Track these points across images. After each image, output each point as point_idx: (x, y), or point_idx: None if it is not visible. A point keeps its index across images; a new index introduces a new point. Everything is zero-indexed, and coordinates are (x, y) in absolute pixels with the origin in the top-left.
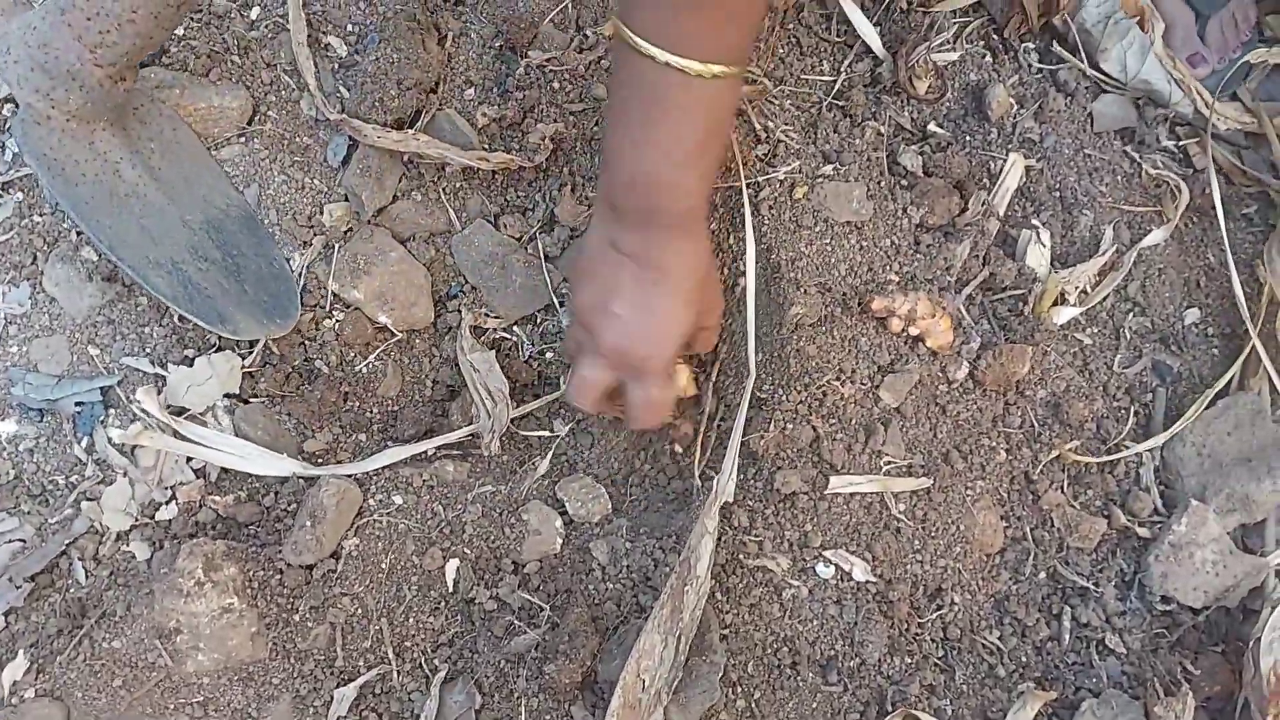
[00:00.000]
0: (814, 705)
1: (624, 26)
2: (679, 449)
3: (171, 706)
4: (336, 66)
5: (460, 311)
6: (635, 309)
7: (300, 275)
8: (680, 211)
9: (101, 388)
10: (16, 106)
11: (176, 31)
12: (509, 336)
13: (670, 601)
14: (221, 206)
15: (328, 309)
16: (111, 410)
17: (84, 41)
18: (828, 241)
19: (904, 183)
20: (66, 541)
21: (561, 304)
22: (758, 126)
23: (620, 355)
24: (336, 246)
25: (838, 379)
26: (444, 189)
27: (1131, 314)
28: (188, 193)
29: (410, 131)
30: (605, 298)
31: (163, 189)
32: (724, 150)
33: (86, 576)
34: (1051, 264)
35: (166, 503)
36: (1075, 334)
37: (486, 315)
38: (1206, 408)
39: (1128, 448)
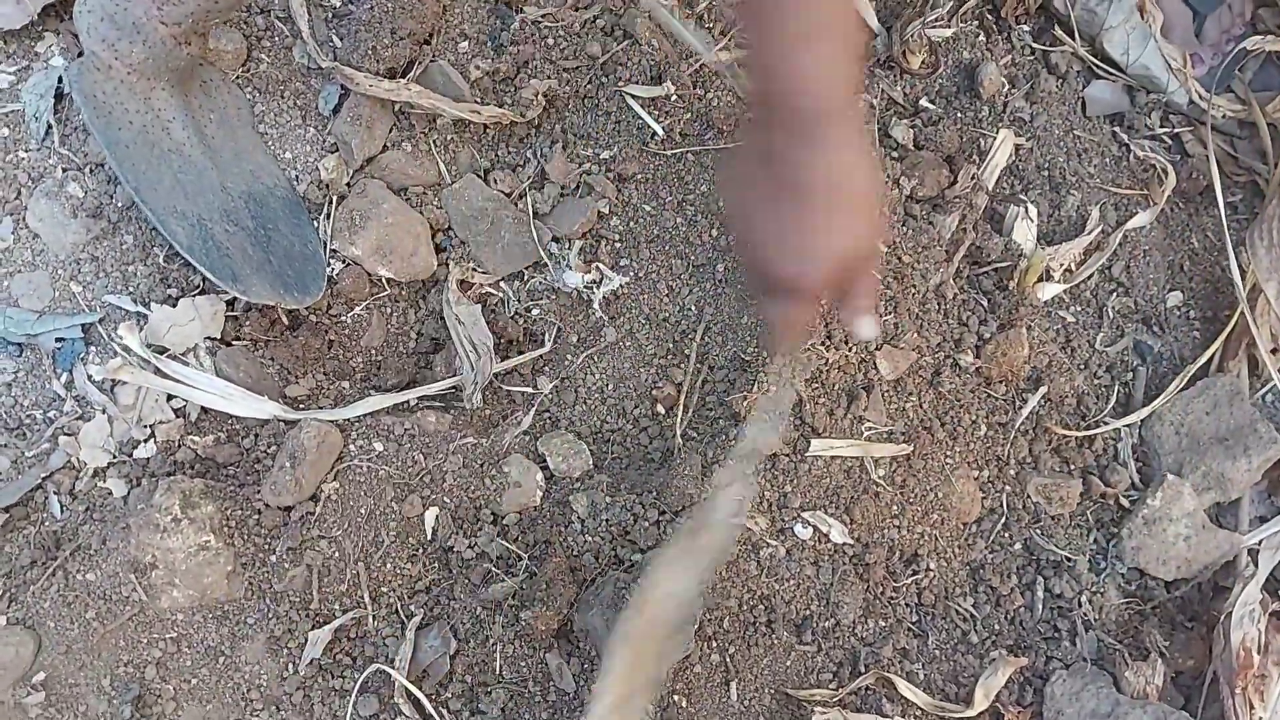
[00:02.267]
0: (788, 663)
1: None
2: (661, 409)
3: (144, 641)
4: (330, 16)
5: (448, 265)
6: (780, 224)
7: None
8: (814, 111)
9: (83, 324)
10: (80, 53)
11: None
12: (495, 292)
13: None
14: (267, 184)
15: (325, 260)
16: (92, 347)
17: None
18: None
19: (895, 155)
20: (43, 475)
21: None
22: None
23: (763, 271)
24: (334, 201)
25: (823, 343)
26: (434, 141)
27: (1115, 294)
28: (235, 164)
29: (402, 81)
30: (752, 214)
31: (209, 154)
32: (849, 41)
33: (62, 510)
34: (1038, 241)
35: (145, 441)
36: (1059, 311)
37: (474, 270)
38: (1185, 387)
39: (1107, 424)
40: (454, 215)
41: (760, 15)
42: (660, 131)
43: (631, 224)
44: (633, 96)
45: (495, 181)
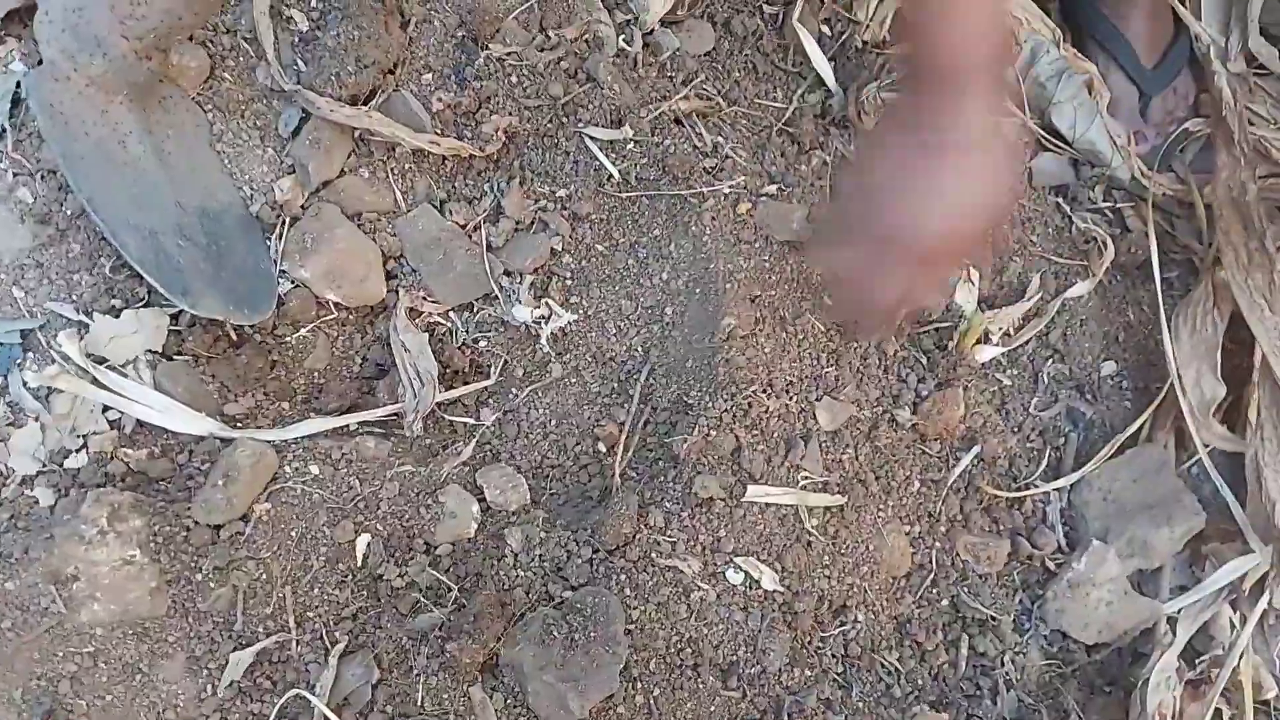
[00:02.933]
0: (712, 708)
1: None
2: (602, 447)
3: (60, 654)
4: (296, 40)
5: (399, 292)
6: (930, 183)
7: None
8: (961, 69)
9: (21, 330)
10: (39, 61)
11: None
12: (444, 322)
13: None
14: (222, 201)
15: (276, 279)
16: (30, 354)
17: (115, 12)
18: (766, 258)
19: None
20: None
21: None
22: (707, 140)
23: (907, 236)
24: (287, 222)
25: (764, 391)
26: (392, 169)
27: (1051, 360)
28: (190, 180)
29: (364, 109)
30: (895, 180)
31: (165, 169)
32: (994, 9)
33: None
34: (979, 304)
35: (77, 451)
36: (996, 374)
37: (425, 299)
38: (1114, 455)
39: (1037, 486)
40: (407, 243)
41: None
42: (616, 174)
43: (584, 262)
44: (591, 138)
45: (451, 213)
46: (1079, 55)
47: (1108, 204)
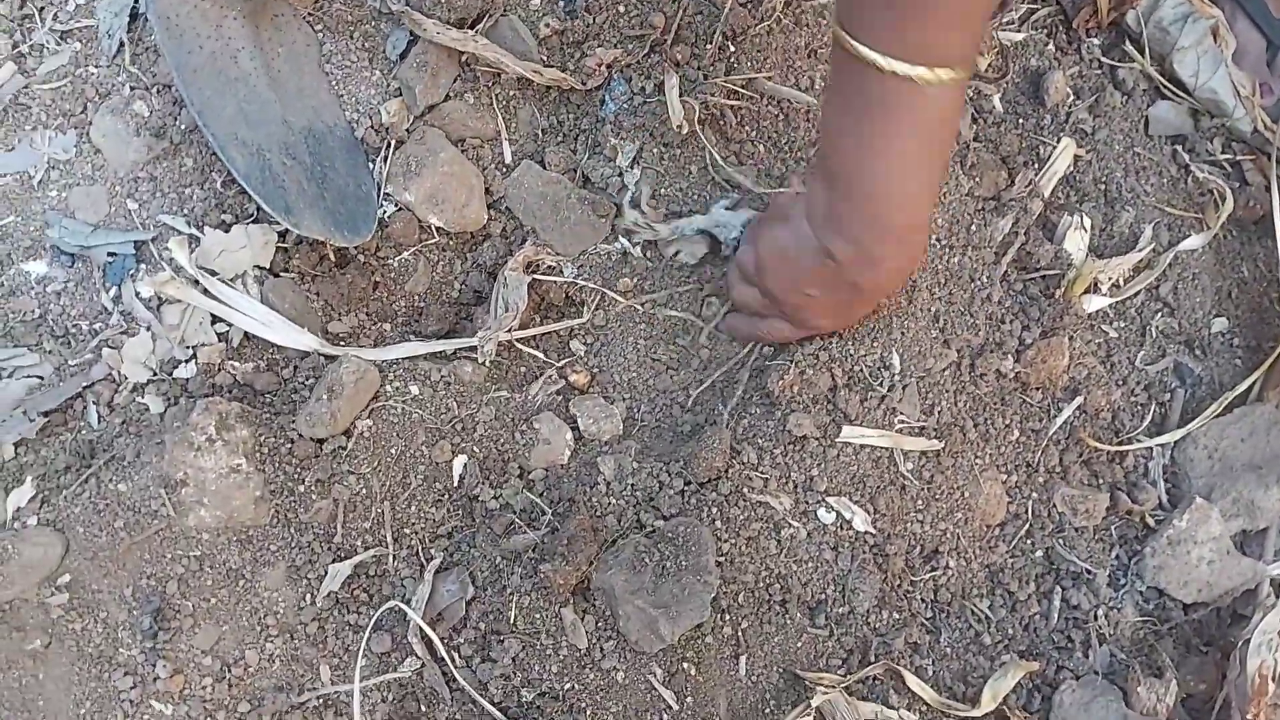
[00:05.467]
0: (798, 644)
1: (845, 33)
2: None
3: (169, 556)
4: None
5: (511, 241)
6: (832, 302)
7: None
8: (902, 225)
9: (136, 241)
10: None
11: None
12: (554, 262)
13: None
14: (328, 123)
15: (378, 202)
16: (142, 265)
17: None
18: None
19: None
20: (83, 384)
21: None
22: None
23: (809, 329)
24: (391, 145)
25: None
26: (497, 95)
27: (1160, 314)
28: (299, 99)
29: (470, 32)
30: (804, 289)
31: (274, 87)
32: (948, 158)
33: (99, 421)
34: (1089, 252)
35: (186, 361)
36: (1102, 325)
37: (548, 253)
38: (1222, 413)
39: (1140, 441)
40: (517, 205)
41: (873, 138)
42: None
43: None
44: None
45: (550, 165)
46: (1206, 0)
47: (1226, 156)
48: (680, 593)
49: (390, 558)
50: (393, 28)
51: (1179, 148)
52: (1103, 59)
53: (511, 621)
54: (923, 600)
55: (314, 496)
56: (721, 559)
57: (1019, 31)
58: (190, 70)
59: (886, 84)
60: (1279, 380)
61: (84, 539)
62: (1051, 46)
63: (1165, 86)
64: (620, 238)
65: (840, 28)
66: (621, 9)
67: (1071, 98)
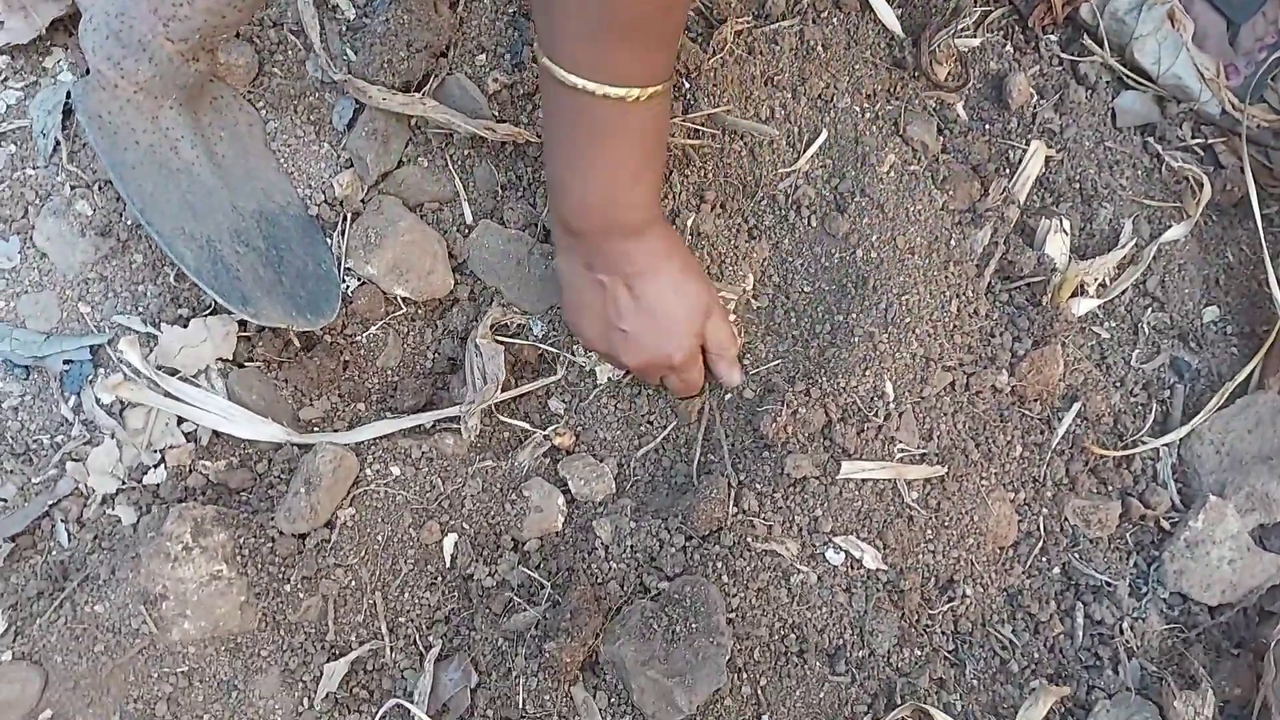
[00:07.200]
0: (821, 695)
1: (551, 63)
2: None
3: (155, 675)
4: (344, 29)
5: (479, 304)
6: (639, 319)
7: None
8: (637, 222)
9: (91, 346)
10: (87, 70)
11: None
12: (522, 320)
13: None
14: (280, 203)
15: (340, 278)
16: (100, 370)
17: (158, 14)
18: None
19: (925, 164)
20: (50, 502)
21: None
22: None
23: (647, 367)
24: (348, 218)
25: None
26: (451, 156)
27: (1150, 309)
28: (246, 183)
29: (417, 95)
30: (606, 323)
31: (219, 173)
32: (665, 156)
33: (69, 539)
34: (1071, 255)
35: (155, 466)
36: (1093, 327)
37: (512, 312)
38: (1225, 405)
39: (1145, 443)
40: (478, 266)
41: (589, 153)
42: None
43: None
44: None
45: (509, 223)
46: None
47: (1198, 140)
48: (694, 658)
49: (387, 650)
50: (337, 97)
51: (1149, 137)
52: (1062, 55)
53: (521, 706)
54: (943, 633)
55: (301, 595)
56: (732, 614)
57: (975, 37)
58: (128, 168)
59: (596, 105)
60: (1276, 364)
61: (63, 669)
62: (1009, 48)
63: (1128, 77)
64: None
65: (545, 57)
66: None
67: (1036, 98)
